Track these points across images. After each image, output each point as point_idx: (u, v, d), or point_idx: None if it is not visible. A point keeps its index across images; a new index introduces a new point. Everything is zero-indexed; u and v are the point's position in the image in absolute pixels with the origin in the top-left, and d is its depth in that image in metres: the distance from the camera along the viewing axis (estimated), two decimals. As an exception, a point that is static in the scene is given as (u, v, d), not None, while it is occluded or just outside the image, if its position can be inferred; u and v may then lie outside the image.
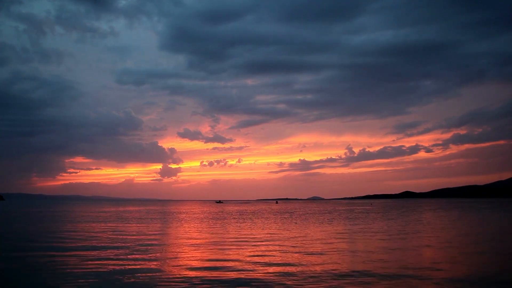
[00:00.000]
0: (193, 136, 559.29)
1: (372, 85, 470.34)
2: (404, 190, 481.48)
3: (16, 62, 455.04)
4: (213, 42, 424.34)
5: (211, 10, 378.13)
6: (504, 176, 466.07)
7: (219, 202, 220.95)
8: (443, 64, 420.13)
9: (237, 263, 18.30)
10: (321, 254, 21.09)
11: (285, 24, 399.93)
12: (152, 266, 17.77)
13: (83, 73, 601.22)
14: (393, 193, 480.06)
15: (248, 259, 19.61)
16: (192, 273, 16.17)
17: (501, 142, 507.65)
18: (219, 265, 17.93)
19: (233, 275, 15.80)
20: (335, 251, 21.96)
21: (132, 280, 15.05)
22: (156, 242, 27.07)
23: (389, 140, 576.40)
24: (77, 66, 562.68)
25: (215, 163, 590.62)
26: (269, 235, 31.32)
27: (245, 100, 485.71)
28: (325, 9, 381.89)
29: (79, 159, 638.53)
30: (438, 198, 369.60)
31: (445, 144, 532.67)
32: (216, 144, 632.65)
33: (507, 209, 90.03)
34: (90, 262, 18.67)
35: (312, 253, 21.32)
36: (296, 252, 21.72)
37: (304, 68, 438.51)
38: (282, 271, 16.53)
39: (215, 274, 16.03)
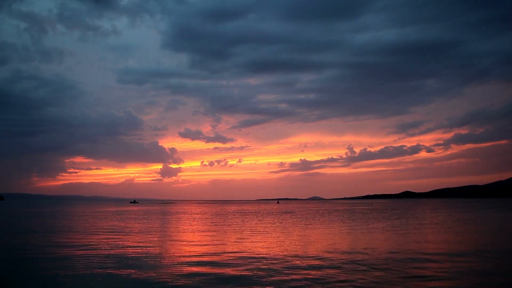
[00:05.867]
0: (194, 136, 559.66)
1: (375, 84, 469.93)
2: (404, 190, 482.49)
3: (17, 61, 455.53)
4: (215, 41, 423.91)
5: (214, 8, 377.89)
6: (504, 176, 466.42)
7: (134, 202, 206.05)
8: (446, 63, 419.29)
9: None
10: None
11: (288, 23, 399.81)
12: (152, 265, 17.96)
13: (85, 72, 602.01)
14: (393, 193, 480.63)
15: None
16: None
17: (503, 142, 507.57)
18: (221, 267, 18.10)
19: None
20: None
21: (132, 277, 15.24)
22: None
23: (391, 140, 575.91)
24: (78, 65, 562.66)
25: (216, 163, 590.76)
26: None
27: (247, 99, 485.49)
28: (328, 8, 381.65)
29: (79, 159, 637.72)
30: (438, 198, 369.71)
31: (446, 144, 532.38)
32: (217, 144, 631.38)
33: (507, 209, 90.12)
34: (88, 261, 18.83)
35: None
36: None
37: (306, 67, 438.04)
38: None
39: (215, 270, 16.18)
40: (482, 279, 15.14)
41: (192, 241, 27.96)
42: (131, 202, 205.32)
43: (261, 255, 20.45)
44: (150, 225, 42.97)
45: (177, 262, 18.68)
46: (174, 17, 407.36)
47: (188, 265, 17.92)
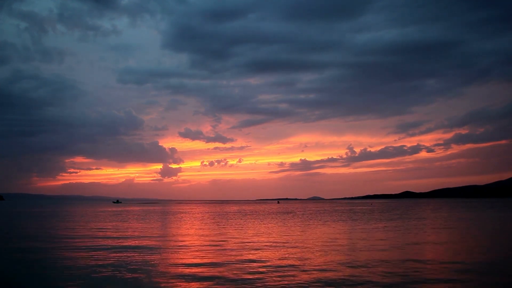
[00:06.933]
0: (194, 136, 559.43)
1: (375, 84, 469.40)
2: (404, 190, 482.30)
3: (17, 60, 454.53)
4: (216, 40, 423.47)
5: (214, 8, 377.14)
6: (504, 176, 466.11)
7: (117, 202, 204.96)
8: (447, 63, 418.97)
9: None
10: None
11: (288, 23, 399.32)
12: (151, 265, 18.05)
13: (85, 72, 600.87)
14: (393, 193, 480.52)
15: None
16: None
17: (503, 142, 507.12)
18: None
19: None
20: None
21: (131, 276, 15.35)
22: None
23: (391, 140, 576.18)
24: (78, 65, 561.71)
25: (216, 163, 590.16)
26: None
27: (247, 99, 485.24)
28: (329, 7, 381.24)
29: (79, 159, 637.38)
30: (438, 198, 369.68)
31: (446, 144, 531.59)
32: (217, 144, 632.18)
33: (507, 209, 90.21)
34: (88, 261, 18.95)
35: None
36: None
37: (307, 67, 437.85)
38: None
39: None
40: None
41: (192, 245, 28.04)
42: (114, 202, 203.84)
43: (265, 260, 20.49)
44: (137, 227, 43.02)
45: (175, 273, 17.82)
46: (175, 17, 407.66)
47: (188, 278, 17.94)
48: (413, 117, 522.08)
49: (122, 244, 26.24)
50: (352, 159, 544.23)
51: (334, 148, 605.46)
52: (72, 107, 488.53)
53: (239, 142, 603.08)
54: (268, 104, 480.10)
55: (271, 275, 15.84)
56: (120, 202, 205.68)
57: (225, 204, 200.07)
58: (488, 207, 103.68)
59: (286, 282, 14.54)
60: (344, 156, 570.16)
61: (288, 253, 21.51)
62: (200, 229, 39.10)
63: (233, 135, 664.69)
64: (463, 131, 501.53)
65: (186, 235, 32.83)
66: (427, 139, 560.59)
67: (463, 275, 15.76)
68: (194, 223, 47.26)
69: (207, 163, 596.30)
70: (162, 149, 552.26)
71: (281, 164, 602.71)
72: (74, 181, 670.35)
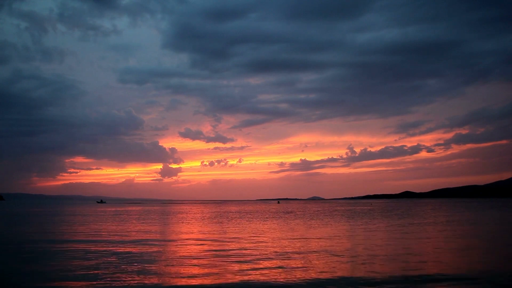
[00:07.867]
0: (195, 135, 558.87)
1: (376, 84, 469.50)
2: (404, 190, 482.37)
3: (17, 60, 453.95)
4: (216, 40, 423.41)
5: (215, 8, 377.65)
6: (504, 176, 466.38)
7: (101, 202, 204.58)
8: (447, 63, 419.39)
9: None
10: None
11: (289, 22, 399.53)
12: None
13: (85, 72, 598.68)
14: (393, 193, 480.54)
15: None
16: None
17: (503, 142, 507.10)
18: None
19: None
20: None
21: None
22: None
23: (391, 140, 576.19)
24: (79, 64, 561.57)
25: (216, 163, 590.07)
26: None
27: (247, 99, 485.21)
28: (330, 7, 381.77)
29: (79, 159, 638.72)
30: (438, 198, 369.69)
31: (446, 144, 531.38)
32: (217, 144, 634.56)
33: (507, 209, 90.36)
34: (87, 265, 19.01)
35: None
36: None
37: (308, 67, 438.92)
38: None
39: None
40: None
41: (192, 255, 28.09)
42: (98, 202, 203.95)
43: (268, 267, 20.38)
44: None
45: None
46: (175, 17, 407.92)
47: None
48: (414, 117, 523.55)
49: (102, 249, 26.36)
50: (352, 159, 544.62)
51: (334, 148, 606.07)
52: (72, 107, 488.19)
53: (239, 142, 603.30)
54: (268, 104, 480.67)
55: (274, 277, 15.97)
56: (105, 202, 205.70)
57: (225, 204, 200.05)
58: (488, 207, 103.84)
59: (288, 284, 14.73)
60: (344, 156, 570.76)
61: (291, 256, 21.65)
62: (199, 232, 39.22)
63: (233, 135, 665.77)
64: (464, 131, 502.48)
65: (177, 237, 32.97)
66: (427, 139, 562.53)
67: (464, 278, 15.91)
68: (188, 225, 47.38)
69: (207, 163, 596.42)
70: (162, 149, 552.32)
71: (281, 164, 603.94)
72: (74, 181, 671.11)
